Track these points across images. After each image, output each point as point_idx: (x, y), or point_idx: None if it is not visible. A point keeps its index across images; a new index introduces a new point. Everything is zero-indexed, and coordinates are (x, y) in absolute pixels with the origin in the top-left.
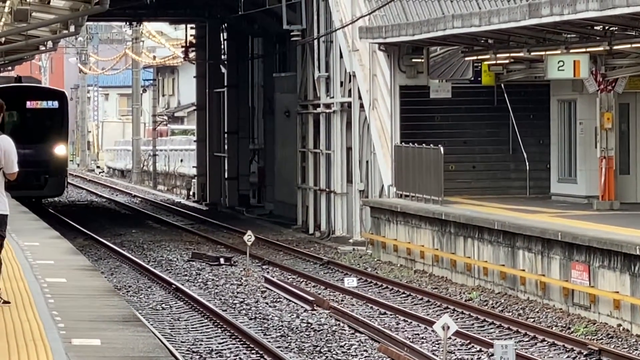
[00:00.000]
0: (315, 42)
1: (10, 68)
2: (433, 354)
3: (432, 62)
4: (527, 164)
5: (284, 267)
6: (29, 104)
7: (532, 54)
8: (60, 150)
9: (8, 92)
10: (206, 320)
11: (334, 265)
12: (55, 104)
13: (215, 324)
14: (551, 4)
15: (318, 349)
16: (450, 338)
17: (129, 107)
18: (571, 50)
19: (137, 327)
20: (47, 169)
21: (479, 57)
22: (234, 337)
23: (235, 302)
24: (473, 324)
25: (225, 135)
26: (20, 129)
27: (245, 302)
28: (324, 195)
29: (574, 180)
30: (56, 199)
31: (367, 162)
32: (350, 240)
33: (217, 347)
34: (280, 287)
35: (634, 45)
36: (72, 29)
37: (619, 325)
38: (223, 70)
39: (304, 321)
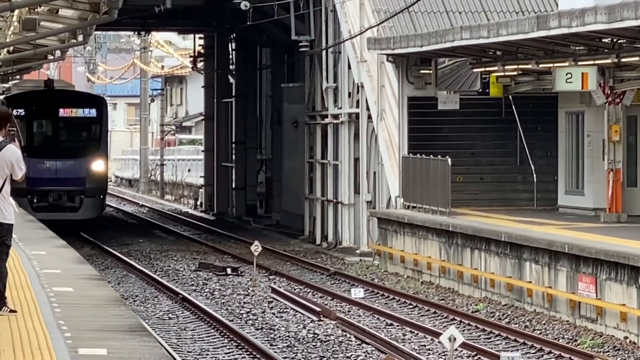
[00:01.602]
0: (324, 52)
1: (18, 77)
2: None
3: (440, 73)
4: (534, 175)
5: (290, 278)
6: (62, 112)
7: (540, 65)
8: (98, 165)
9: (37, 98)
10: (213, 330)
11: (340, 276)
12: (93, 112)
13: (222, 334)
14: (559, 16)
15: (324, 359)
16: (456, 349)
17: (137, 117)
18: (579, 63)
19: (144, 337)
20: (83, 187)
21: (487, 68)
22: (240, 347)
23: (242, 312)
24: (480, 336)
25: (233, 145)
26: (51, 141)
27: (252, 312)
28: (331, 206)
29: (582, 193)
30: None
31: (374, 173)
32: (357, 251)
33: (224, 357)
34: (287, 298)
35: None
36: (80, 38)
37: (626, 337)
38: (231, 80)
39: (310, 332)
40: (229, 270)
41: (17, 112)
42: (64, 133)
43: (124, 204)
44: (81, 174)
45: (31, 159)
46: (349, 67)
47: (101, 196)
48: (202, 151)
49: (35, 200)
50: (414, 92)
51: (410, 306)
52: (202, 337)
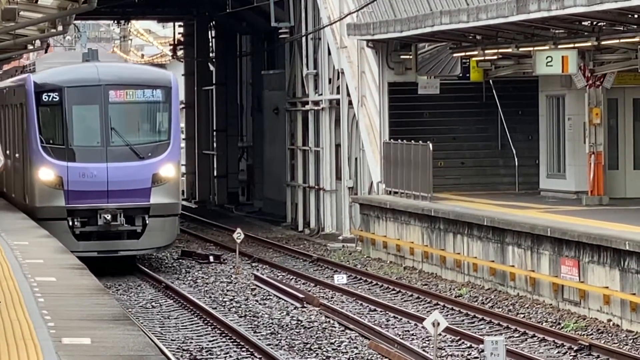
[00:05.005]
0: (304, 39)
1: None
2: (423, 350)
3: (420, 58)
4: (516, 159)
5: (273, 265)
6: (113, 96)
7: (520, 49)
8: (167, 170)
9: (77, 77)
10: (196, 318)
11: (323, 262)
12: (158, 94)
13: (205, 321)
14: (539, 0)
15: (308, 346)
16: (440, 334)
17: None
18: (559, 46)
19: (127, 325)
20: (148, 203)
21: (467, 53)
22: (224, 334)
23: (225, 299)
24: (463, 320)
25: (214, 133)
26: (100, 138)
27: (235, 299)
28: (313, 193)
29: (563, 176)
30: None
31: (356, 159)
32: (340, 237)
33: (208, 345)
34: (269, 285)
35: (622, 41)
36: (60, 27)
37: (609, 320)
38: (211, 68)
39: (294, 318)
40: (211, 258)
41: (49, 96)
42: (118, 125)
43: None
44: (144, 183)
45: (71, 165)
46: (329, 54)
47: (173, 215)
48: (183, 139)
49: (78, 224)
50: (395, 77)
51: (394, 292)
52: (185, 325)
